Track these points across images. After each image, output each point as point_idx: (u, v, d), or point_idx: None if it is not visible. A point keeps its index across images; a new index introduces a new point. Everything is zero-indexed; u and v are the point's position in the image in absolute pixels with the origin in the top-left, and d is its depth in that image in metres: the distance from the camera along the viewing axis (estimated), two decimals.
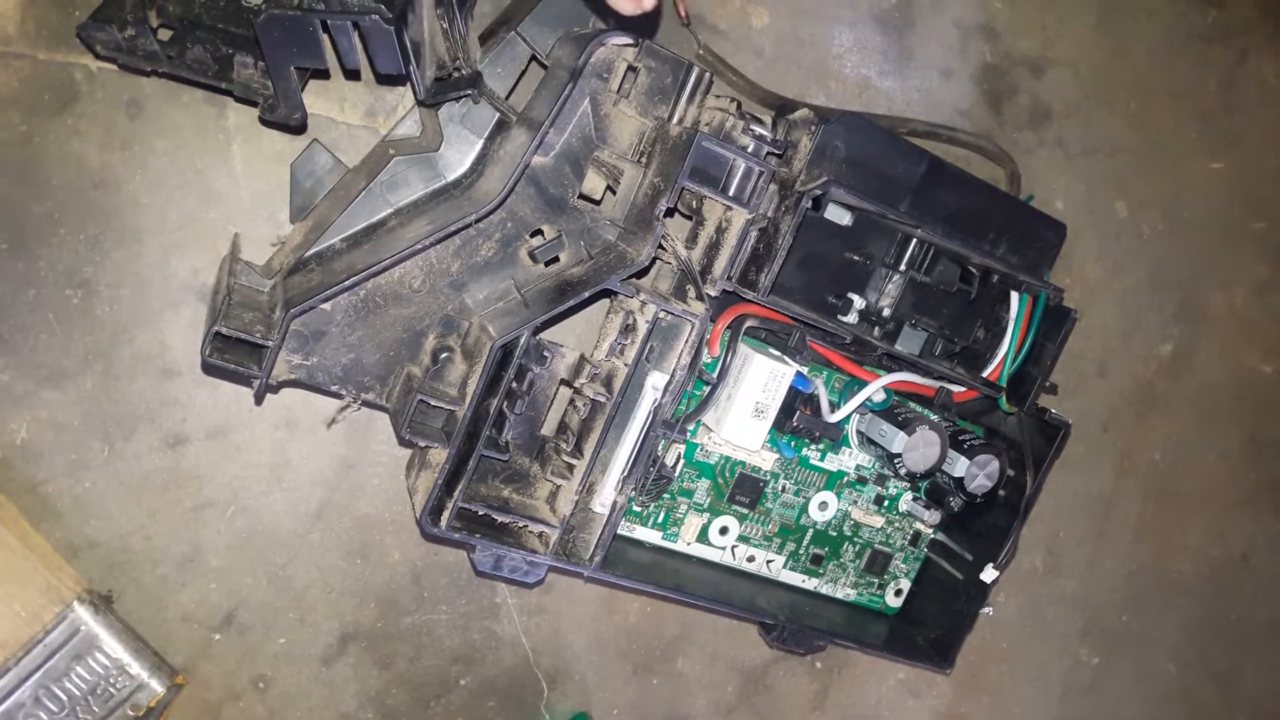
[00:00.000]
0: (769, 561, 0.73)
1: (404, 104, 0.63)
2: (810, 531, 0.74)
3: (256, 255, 0.60)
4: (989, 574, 0.72)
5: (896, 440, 0.68)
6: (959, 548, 0.76)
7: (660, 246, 0.58)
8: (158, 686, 0.61)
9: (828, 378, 0.70)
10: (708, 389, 0.64)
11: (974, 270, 0.68)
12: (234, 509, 0.65)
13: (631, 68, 0.58)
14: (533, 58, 0.59)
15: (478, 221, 0.56)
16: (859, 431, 0.72)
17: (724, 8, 0.70)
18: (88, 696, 0.60)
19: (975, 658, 0.88)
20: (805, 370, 0.67)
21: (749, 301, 0.62)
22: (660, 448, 0.62)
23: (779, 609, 0.70)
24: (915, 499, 0.75)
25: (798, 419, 0.67)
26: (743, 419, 0.64)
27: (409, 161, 0.58)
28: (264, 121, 0.57)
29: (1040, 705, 0.92)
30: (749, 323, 0.64)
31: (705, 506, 0.70)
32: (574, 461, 0.60)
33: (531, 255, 0.59)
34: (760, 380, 0.64)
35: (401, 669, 0.71)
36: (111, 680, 0.60)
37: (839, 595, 0.77)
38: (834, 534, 0.75)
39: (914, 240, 0.66)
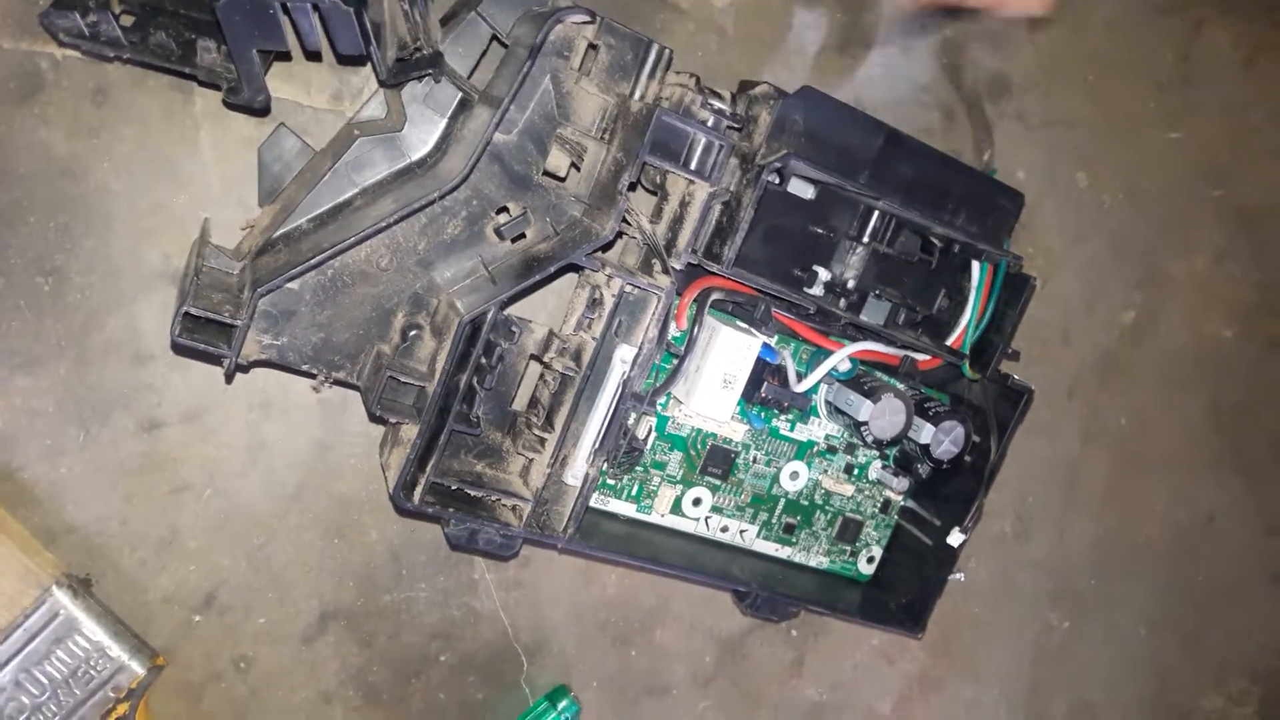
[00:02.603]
0: (742, 531, 0.75)
1: (369, 87, 0.64)
2: (782, 501, 0.75)
3: (226, 240, 0.61)
4: (955, 537, 0.74)
5: (863, 409, 0.70)
6: (928, 514, 0.77)
7: (625, 221, 0.59)
8: (138, 668, 0.62)
9: (795, 349, 0.71)
10: (676, 362, 0.65)
11: (935, 240, 0.69)
12: (210, 491, 0.66)
13: (592, 45, 0.59)
14: (494, 37, 0.59)
15: (441, 198, 0.56)
16: (827, 401, 0.73)
17: None
18: (69, 679, 0.61)
19: (948, 623, 0.89)
20: (772, 341, 0.68)
21: (714, 274, 0.63)
22: (631, 420, 0.63)
23: (753, 577, 0.72)
24: (884, 467, 0.76)
25: (766, 389, 0.68)
26: (711, 390, 0.65)
27: (374, 142, 0.58)
28: (228, 104, 0.58)
29: (1012, 668, 0.94)
30: (715, 295, 0.65)
31: (678, 478, 0.71)
32: (545, 435, 0.61)
33: (498, 232, 0.60)
34: (728, 351, 0.65)
35: (382, 646, 0.72)
36: (92, 663, 0.61)
37: (812, 563, 0.78)
38: (805, 503, 0.76)
39: (876, 212, 0.67)
